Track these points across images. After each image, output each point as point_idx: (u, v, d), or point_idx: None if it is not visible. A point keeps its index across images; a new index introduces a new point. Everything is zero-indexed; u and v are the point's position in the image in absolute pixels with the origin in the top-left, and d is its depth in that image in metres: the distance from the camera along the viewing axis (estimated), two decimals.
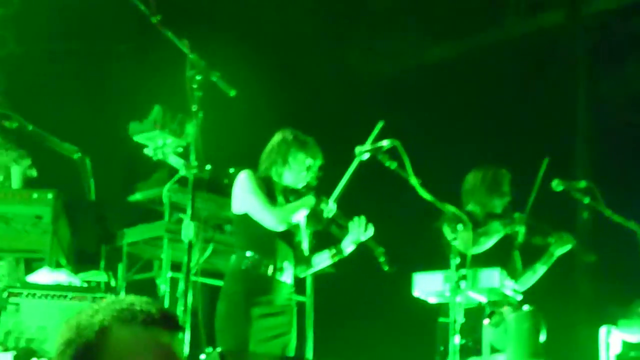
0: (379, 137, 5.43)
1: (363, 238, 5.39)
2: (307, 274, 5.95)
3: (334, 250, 5.52)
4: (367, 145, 5.36)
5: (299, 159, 5.48)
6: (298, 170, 5.48)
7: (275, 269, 5.36)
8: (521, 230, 6.40)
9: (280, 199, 5.42)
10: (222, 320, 5.31)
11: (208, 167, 4.78)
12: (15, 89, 8.42)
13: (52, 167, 6.85)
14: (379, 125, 5.48)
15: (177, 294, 5.28)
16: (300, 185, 5.51)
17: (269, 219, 5.31)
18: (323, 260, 5.62)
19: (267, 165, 5.52)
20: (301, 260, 5.59)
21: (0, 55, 9.58)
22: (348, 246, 5.46)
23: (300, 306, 7.77)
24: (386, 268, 5.36)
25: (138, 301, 2.09)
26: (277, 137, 5.57)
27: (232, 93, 4.78)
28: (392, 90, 10.61)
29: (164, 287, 6.55)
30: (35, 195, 6.06)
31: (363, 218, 5.39)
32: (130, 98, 7.23)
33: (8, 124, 6.68)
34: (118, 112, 6.10)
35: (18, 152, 7.07)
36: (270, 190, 5.42)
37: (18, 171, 7.07)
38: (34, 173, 7.06)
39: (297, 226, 5.48)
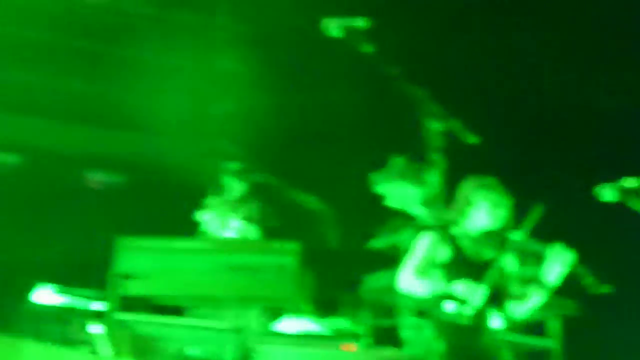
0: (535, 224, 5.23)
1: (566, 265, 5.17)
2: (520, 315, 5.76)
3: (535, 286, 5.36)
4: (612, 186, 5.15)
5: (482, 198, 5.41)
6: (485, 210, 5.40)
7: (474, 314, 5.27)
8: None
9: (469, 247, 5.35)
10: None
11: (450, 215, 4.75)
12: (258, 143, 8.76)
13: (294, 217, 7.03)
14: (537, 210, 5.27)
15: (421, 340, 5.26)
16: (495, 226, 5.41)
17: (401, 277, 5.34)
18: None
19: (455, 213, 5.47)
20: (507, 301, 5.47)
21: (243, 110, 10.01)
22: (549, 277, 5.26)
23: (546, 351, 7.58)
24: (598, 290, 5.11)
25: (394, 354, 2.10)
26: (460, 185, 5.54)
27: (473, 140, 4.74)
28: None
29: (407, 334, 6.54)
30: (279, 246, 6.24)
31: (561, 243, 5.20)
32: (367, 148, 7.32)
33: (252, 177, 6.94)
34: (356, 162, 6.20)
35: (259, 204, 7.34)
36: (454, 245, 5.35)
37: (258, 223, 7.34)
38: (275, 223, 7.29)
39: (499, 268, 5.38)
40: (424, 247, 5.34)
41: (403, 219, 6.50)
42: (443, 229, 5.38)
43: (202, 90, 10.48)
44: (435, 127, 4.70)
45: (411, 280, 5.31)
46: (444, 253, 5.33)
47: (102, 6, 10.16)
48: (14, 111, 9.54)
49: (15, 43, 9.48)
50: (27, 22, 9.54)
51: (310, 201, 6.73)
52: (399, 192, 5.01)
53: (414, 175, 5.03)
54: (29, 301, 7.59)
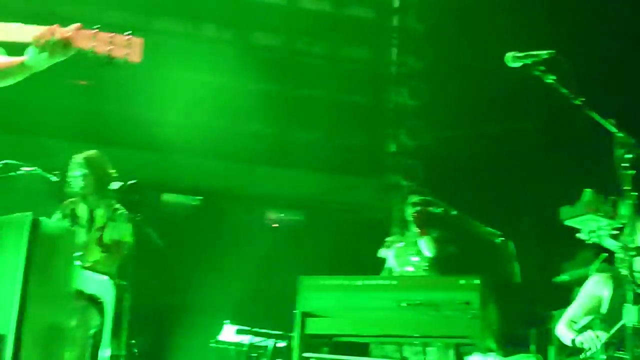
0: None
1: None
2: None
3: None
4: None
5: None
6: None
7: None
8: None
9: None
10: None
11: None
12: (434, 176, 8.68)
13: (476, 251, 6.92)
14: None
15: None
16: None
17: (557, 325, 5.44)
18: None
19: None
20: None
21: (416, 144, 9.96)
22: None
23: None
24: None
25: None
26: None
27: None
28: None
29: None
30: (462, 281, 6.12)
31: None
32: (552, 180, 7.14)
33: (433, 209, 6.88)
34: (539, 194, 6.04)
35: (439, 238, 7.28)
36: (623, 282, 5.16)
37: (439, 257, 7.27)
38: (456, 258, 7.21)
39: None
40: (586, 292, 5.25)
41: (592, 252, 6.31)
42: (614, 268, 5.26)
43: (375, 126, 10.51)
44: (624, 156, 4.52)
45: (563, 331, 5.27)
46: (609, 293, 5.21)
47: (277, 48, 10.35)
48: (195, 155, 9.80)
49: (192, 88, 9.77)
50: (205, 67, 9.82)
51: (492, 234, 6.58)
52: (589, 224, 4.84)
53: (604, 207, 4.85)
54: (216, 340, 7.75)
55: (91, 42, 2.92)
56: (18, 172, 6.11)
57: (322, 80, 10.30)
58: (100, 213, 6.22)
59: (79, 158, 6.28)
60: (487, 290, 6.14)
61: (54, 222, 5.82)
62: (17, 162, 6.12)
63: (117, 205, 6.26)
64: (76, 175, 6.24)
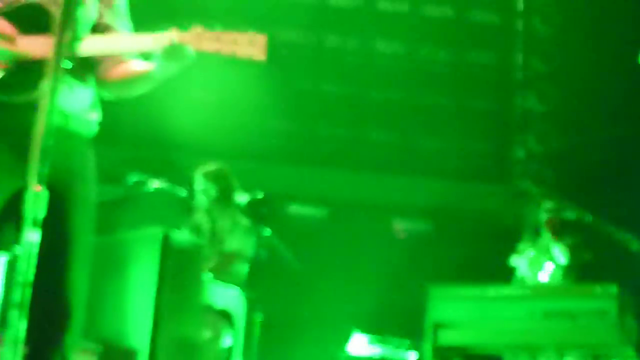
0: None
1: None
2: None
3: None
4: None
5: None
6: None
7: None
8: None
9: None
10: None
11: None
12: (566, 181, 8.49)
13: (612, 257, 6.73)
14: None
15: None
16: None
17: None
18: None
19: None
20: None
21: (546, 149, 9.78)
22: None
23: None
24: None
25: None
26: None
27: None
28: None
29: None
30: (598, 289, 5.97)
31: None
32: None
33: (566, 215, 6.75)
34: None
35: (574, 244, 7.10)
36: None
37: (574, 264, 7.10)
38: (592, 264, 7.03)
39: None
40: None
41: None
42: None
43: (503, 131, 10.39)
44: None
45: None
46: None
47: (400, 56, 10.34)
48: (322, 165, 9.85)
49: (318, 98, 9.83)
50: (330, 77, 9.88)
51: (629, 240, 6.39)
52: None
53: None
54: (344, 351, 7.72)
55: (215, 44, 2.90)
56: (149, 188, 6.21)
57: (447, 87, 10.25)
58: (223, 225, 6.26)
59: (203, 171, 6.33)
60: (625, 298, 5.95)
61: (183, 236, 5.89)
62: (147, 177, 6.21)
63: (241, 218, 6.29)
64: (201, 189, 6.30)
